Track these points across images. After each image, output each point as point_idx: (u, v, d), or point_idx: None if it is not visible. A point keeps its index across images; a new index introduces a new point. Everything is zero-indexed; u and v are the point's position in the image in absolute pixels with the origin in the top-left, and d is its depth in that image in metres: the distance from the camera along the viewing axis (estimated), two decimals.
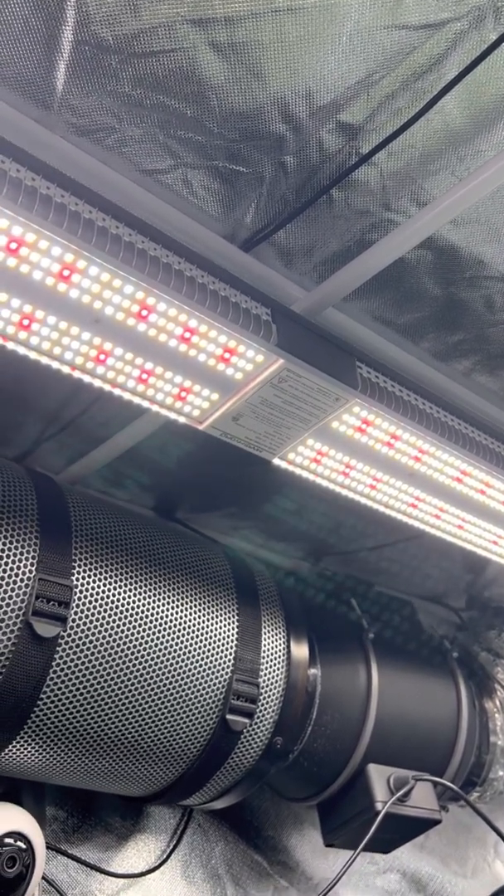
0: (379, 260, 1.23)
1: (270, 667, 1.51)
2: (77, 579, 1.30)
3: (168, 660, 1.38)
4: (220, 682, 1.44)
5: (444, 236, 1.29)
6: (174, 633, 1.40)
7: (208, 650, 1.43)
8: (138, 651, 1.35)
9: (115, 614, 1.33)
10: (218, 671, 1.44)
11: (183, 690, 1.40)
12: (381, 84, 1.09)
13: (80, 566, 1.32)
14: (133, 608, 1.36)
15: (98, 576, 1.33)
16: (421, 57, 1.07)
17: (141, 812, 1.74)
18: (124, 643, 1.34)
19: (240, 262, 1.27)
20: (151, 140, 1.13)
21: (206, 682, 1.42)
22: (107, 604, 1.33)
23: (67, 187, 0.97)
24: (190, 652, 1.41)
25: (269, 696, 1.49)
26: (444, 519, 1.50)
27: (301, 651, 1.57)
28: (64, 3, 0.97)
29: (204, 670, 1.42)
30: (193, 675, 1.41)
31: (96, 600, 1.32)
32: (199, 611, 1.44)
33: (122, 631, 1.34)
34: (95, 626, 1.31)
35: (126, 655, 1.34)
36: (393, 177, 1.21)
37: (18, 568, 1.25)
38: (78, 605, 1.29)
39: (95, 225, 0.97)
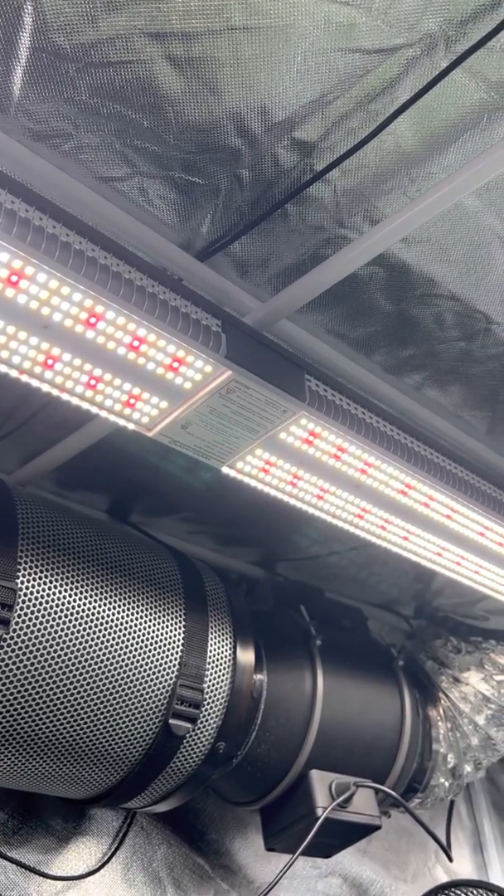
0: (332, 275, 1.25)
1: (216, 672, 1.52)
2: (22, 582, 1.30)
3: (112, 664, 1.39)
4: (164, 687, 1.45)
5: (395, 254, 1.32)
6: (119, 637, 1.40)
7: (153, 655, 1.44)
8: (82, 655, 1.35)
9: (60, 618, 1.34)
10: (162, 676, 1.45)
11: (126, 694, 1.40)
12: (335, 104, 1.11)
13: (25, 569, 1.32)
14: (78, 612, 1.36)
15: (44, 579, 1.33)
16: (374, 80, 1.09)
17: (83, 814, 1.73)
18: (68, 647, 1.34)
19: (195, 271, 1.28)
20: (108, 148, 1.14)
21: (150, 686, 1.43)
22: (52, 607, 1.33)
23: (18, 193, 0.97)
24: (135, 656, 1.42)
25: (213, 702, 1.50)
26: (390, 530, 1.53)
27: (247, 657, 1.58)
28: (21, 10, 0.97)
29: (148, 675, 1.43)
30: (137, 679, 1.42)
31: (41, 603, 1.32)
32: (146, 615, 1.45)
33: (67, 634, 1.34)
34: (39, 629, 1.31)
35: (70, 659, 1.34)
36: (346, 194, 1.23)
37: None
38: (22, 608, 1.29)
39: (45, 232, 0.97)
